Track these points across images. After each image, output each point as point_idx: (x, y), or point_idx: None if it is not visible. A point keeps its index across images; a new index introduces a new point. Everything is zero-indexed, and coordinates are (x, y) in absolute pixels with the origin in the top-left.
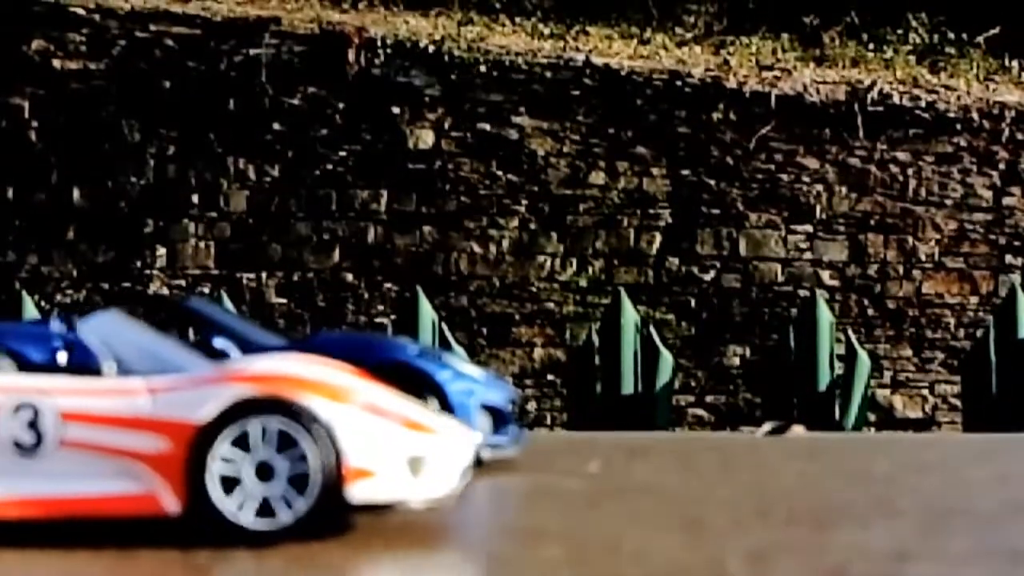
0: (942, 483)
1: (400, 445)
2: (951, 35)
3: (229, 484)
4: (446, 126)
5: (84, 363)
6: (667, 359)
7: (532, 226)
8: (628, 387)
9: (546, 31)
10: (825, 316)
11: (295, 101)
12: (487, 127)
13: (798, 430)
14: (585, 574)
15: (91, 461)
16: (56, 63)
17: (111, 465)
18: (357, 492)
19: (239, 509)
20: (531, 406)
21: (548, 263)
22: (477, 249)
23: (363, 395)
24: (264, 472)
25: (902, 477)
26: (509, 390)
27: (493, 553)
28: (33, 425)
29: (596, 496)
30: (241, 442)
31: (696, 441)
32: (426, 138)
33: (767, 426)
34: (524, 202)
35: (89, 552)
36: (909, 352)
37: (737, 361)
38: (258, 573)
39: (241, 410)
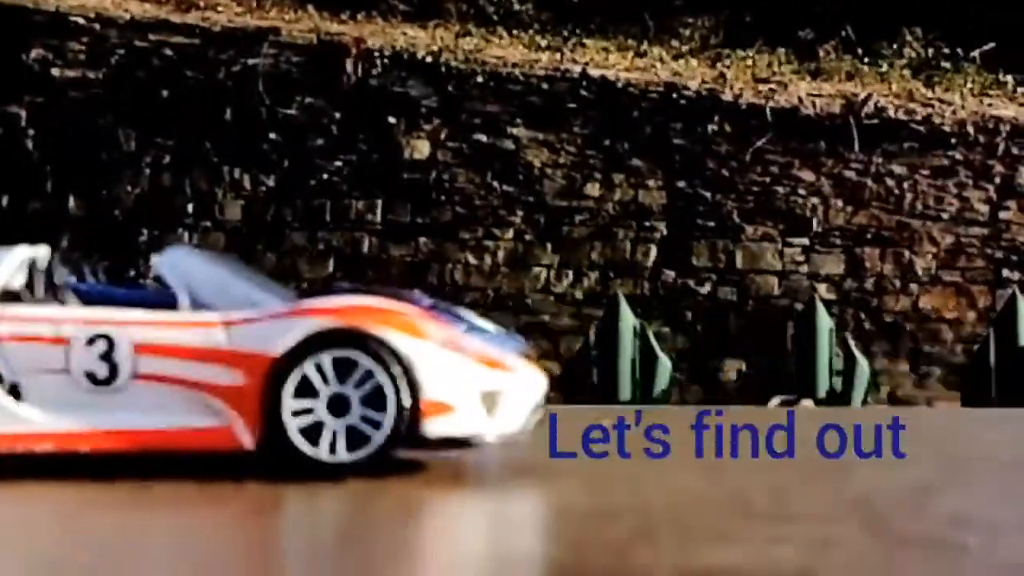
0: (960, 438)
1: (476, 381)
2: (946, 49)
3: (304, 417)
4: (442, 137)
5: (158, 298)
6: (665, 365)
7: (527, 237)
8: (625, 394)
9: (543, 43)
10: (825, 321)
11: (291, 111)
12: (483, 138)
13: (807, 403)
14: (607, 500)
15: (165, 394)
16: (55, 71)
17: (185, 398)
18: (433, 427)
19: (314, 442)
20: None
21: (543, 275)
22: (472, 260)
23: (440, 331)
24: (340, 405)
25: (918, 433)
26: (522, 345)
27: (517, 489)
28: (107, 357)
29: (611, 442)
30: (318, 374)
31: (705, 413)
32: (422, 148)
33: (777, 399)
34: (519, 213)
35: (105, 483)
36: (906, 367)
37: (734, 375)
38: (273, 501)
39: (317, 343)
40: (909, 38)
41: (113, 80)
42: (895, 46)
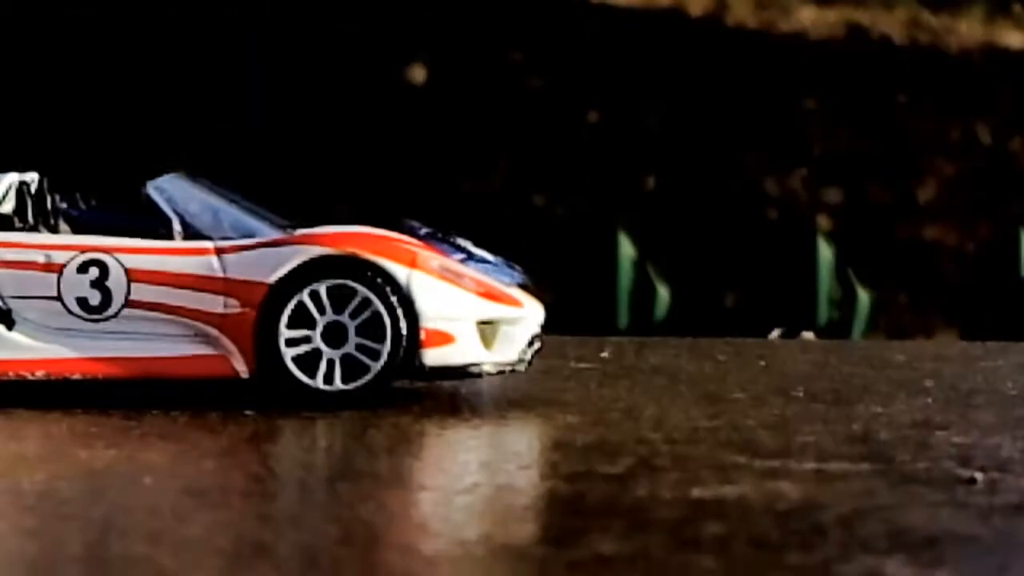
0: (962, 369)
1: (474, 311)
2: None
3: (299, 345)
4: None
5: (152, 222)
6: (663, 295)
7: (524, 163)
8: (623, 322)
9: None
10: (825, 252)
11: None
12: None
13: (809, 335)
14: (606, 435)
15: (159, 321)
16: None
17: (179, 326)
18: (430, 357)
19: (310, 372)
20: None
21: (540, 201)
22: (468, 186)
23: (437, 261)
24: (337, 334)
25: (921, 364)
26: (521, 275)
27: (515, 421)
28: (99, 284)
29: (610, 375)
30: (313, 303)
31: (704, 341)
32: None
33: (777, 331)
34: (517, 138)
35: (98, 413)
36: (906, 299)
37: (729, 303)
38: (268, 431)
39: (313, 271)
40: None
41: None
42: None
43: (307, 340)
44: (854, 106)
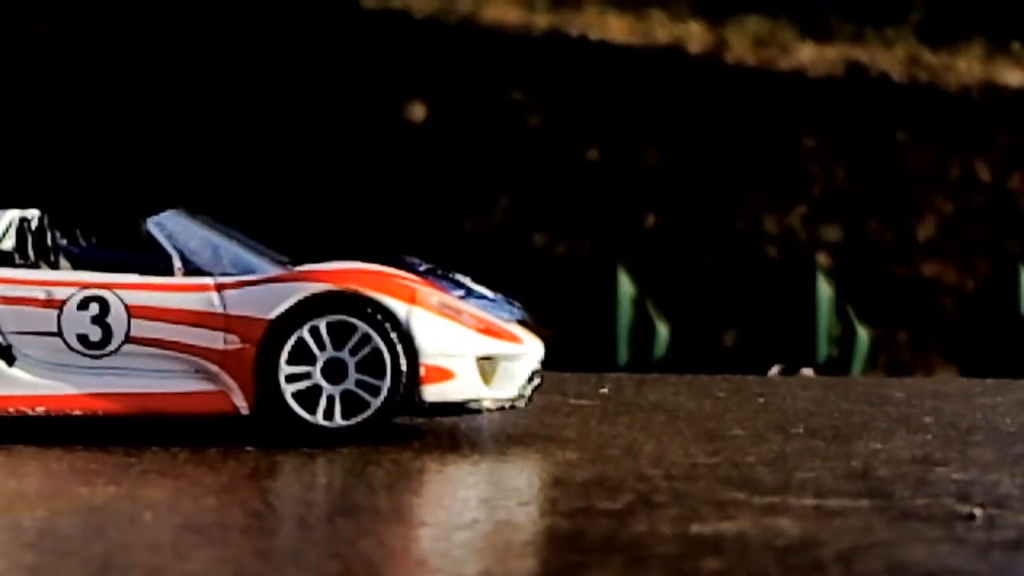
0: (961, 406)
1: (473, 347)
2: (952, 14)
3: (300, 381)
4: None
5: (151, 261)
6: (662, 332)
7: (525, 201)
8: (623, 358)
9: (540, 6)
10: (824, 289)
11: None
12: (482, 100)
13: (807, 372)
14: (605, 471)
15: (159, 357)
16: None
17: (180, 362)
18: (430, 392)
19: (310, 408)
20: None
21: (541, 240)
22: (469, 224)
23: (437, 298)
24: (337, 370)
25: (920, 401)
26: (520, 311)
27: (515, 457)
28: (100, 320)
29: (609, 412)
30: (313, 339)
31: (704, 378)
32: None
33: (776, 368)
34: (517, 176)
35: (98, 449)
36: (905, 336)
37: (728, 341)
38: (268, 467)
39: (313, 307)
40: (914, 2)
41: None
42: (900, 10)
43: (307, 376)
44: (853, 144)
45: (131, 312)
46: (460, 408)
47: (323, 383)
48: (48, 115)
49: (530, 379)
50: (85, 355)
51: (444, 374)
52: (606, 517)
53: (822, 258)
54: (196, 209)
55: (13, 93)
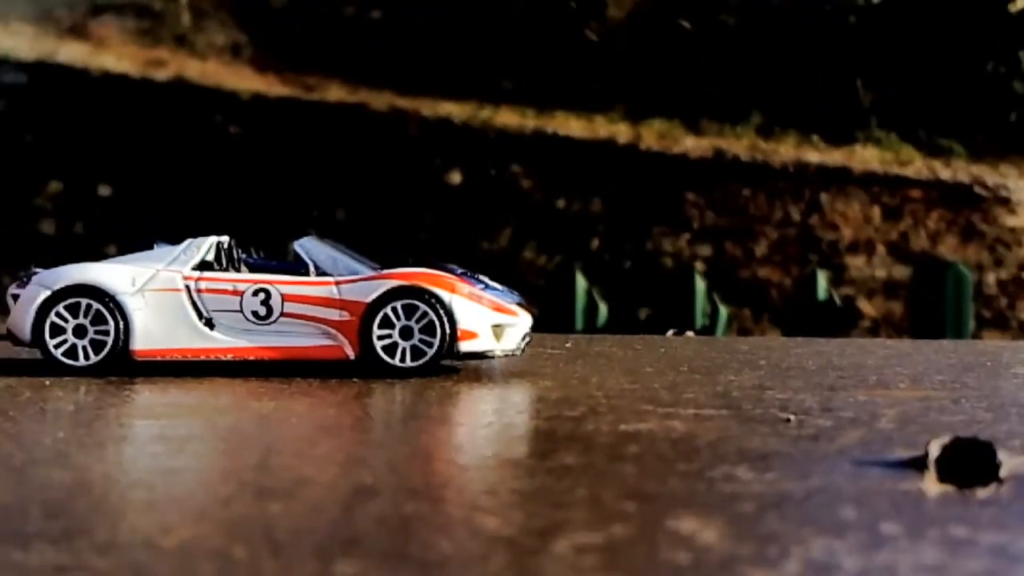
0: (782, 355)
1: (489, 319)
2: (775, 118)
3: (385, 339)
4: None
5: (297, 268)
6: (603, 310)
7: (518, 233)
8: (579, 326)
9: (529, 113)
10: (700, 284)
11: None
12: (492, 171)
13: (690, 334)
14: (569, 393)
15: (301, 325)
16: None
17: (314, 328)
18: (463, 346)
19: (393, 355)
20: None
21: (529, 256)
22: (485, 245)
23: (468, 289)
24: (407, 332)
25: (757, 352)
26: (517, 297)
27: (514, 385)
28: (265, 303)
29: (570, 358)
30: (393, 314)
31: (628, 337)
32: (455, 177)
33: (671, 331)
34: (514, 218)
35: (263, 380)
36: (748, 312)
37: (643, 315)
38: (366, 391)
39: (393, 294)
40: (754, 110)
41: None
42: (744, 115)
43: (389, 336)
44: (717, 197)
45: (284, 298)
46: (481, 356)
47: (399, 340)
48: (231, 177)
49: (524, 338)
50: (256, 323)
51: (471, 335)
52: (569, 421)
53: (698, 265)
54: (322, 235)
55: (216, 165)
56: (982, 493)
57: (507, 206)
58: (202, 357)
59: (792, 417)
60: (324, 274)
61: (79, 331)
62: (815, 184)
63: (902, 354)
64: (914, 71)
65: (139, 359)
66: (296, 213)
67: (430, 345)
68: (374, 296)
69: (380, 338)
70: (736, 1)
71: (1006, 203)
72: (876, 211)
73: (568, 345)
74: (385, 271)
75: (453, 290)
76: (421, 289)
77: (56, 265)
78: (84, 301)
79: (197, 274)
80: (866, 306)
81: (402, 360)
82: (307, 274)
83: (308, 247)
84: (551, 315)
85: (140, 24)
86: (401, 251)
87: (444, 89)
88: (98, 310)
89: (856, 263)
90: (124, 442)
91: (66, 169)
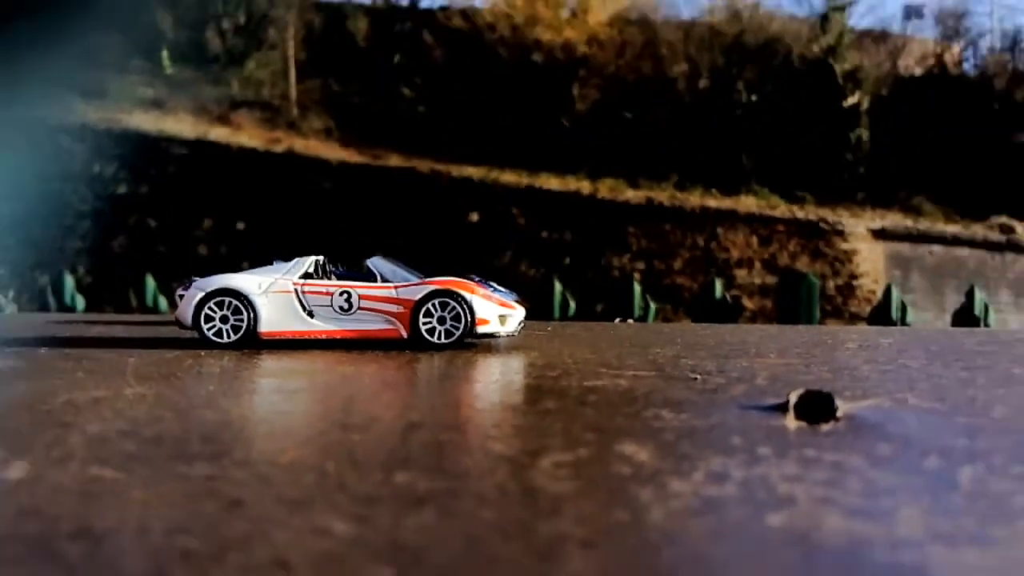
0: (692, 336)
1: (497, 311)
2: (690, 176)
3: (427, 325)
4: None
5: (368, 277)
6: (572, 305)
7: (515, 255)
8: (556, 315)
9: (519, 173)
10: (636, 288)
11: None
12: (495, 212)
13: (631, 321)
14: (549, 360)
15: (372, 315)
16: None
17: (380, 317)
18: (480, 329)
19: (432, 335)
20: None
21: (523, 268)
22: (492, 262)
23: (482, 291)
24: (442, 320)
25: (675, 333)
26: (516, 296)
27: (513, 354)
28: (348, 300)
29: (550, 338)
30: (432, 308)
31: (589, 324)
32: (474, 217)
33: (618, 319)
34: (511, 244)
35: (345, 352)
36: (670, 306)
37: (599, 308)
38: (414, 359)
39: (433, 295)
40: (673, 172)
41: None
42: (666, 173)
43: (430, 323)
44: (649, 230)
45: (360, 297)
46: (491, 336)
47: (436, 325)
48: (325, 216)
49: (519, 324)
50: (341, 314)
51: (484, 322)
52: (549, 379)
53: (636, 275)
54: (385, 255)
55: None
56: (825, 428)
57: (508, 236)
58: (305, 337)
59: (698, 376)
60: (387, 281)
61: (223, 319)
62: (714, 221)
63: (772, 335)
64: (780, 146)
65: (264, 339)
66: (368, 240)
67: (457, 329)
68: (420, 296)
69: (424, 324)
70: (662, 100)
71: (841, 234)
72: (755, 239)
73: (548, 329)
74: (427, 279)
75: (473, 292)
76: (451, 291)
77: (208, 275)
78: (227, 299)
79: (302, 281)
80: (748, 303)
81: (438, 339)
82: (375, 281)
83: (376, 263)
84: (537, 308)
85: (264, 115)
86: (438, 266)
87: (466, 157)
88: (236, 305)
89: (741, 274)
90: (254, 393)
91: (215, 211)
